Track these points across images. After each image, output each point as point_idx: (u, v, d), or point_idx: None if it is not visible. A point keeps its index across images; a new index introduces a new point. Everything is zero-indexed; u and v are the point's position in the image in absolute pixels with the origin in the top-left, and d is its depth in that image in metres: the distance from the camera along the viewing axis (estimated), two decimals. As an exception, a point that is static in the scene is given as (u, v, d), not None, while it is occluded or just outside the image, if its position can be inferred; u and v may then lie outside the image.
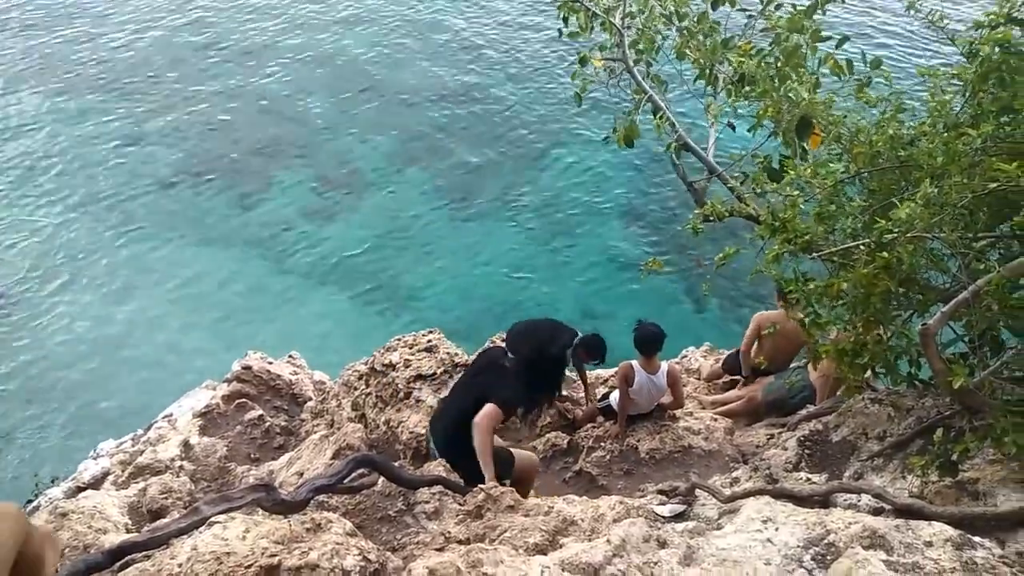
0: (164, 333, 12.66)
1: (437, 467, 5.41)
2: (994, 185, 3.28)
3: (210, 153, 16.42)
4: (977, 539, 2.78)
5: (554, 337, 5.60)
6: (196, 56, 19.61)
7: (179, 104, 17.87)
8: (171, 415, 7.68)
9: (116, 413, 11.00)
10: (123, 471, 6.85)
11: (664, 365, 6.33)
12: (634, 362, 6.26)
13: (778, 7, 5.94)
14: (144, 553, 3.36)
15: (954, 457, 3.43)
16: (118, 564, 3.27)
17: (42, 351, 12.56)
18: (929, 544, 2.76)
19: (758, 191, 5.27)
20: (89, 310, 13.16)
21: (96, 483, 6.87)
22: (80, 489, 6.70)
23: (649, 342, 6.20)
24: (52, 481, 7.55)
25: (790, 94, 5.00)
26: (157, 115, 17.55)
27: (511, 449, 5.29)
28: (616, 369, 7.63)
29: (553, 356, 4.76)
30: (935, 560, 2.64)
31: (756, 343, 7.14)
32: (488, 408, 4.62)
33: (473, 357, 5.51)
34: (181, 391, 8.34)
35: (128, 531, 5.09)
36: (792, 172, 4.40)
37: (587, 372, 7.15)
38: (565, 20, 7.18)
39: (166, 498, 5.76)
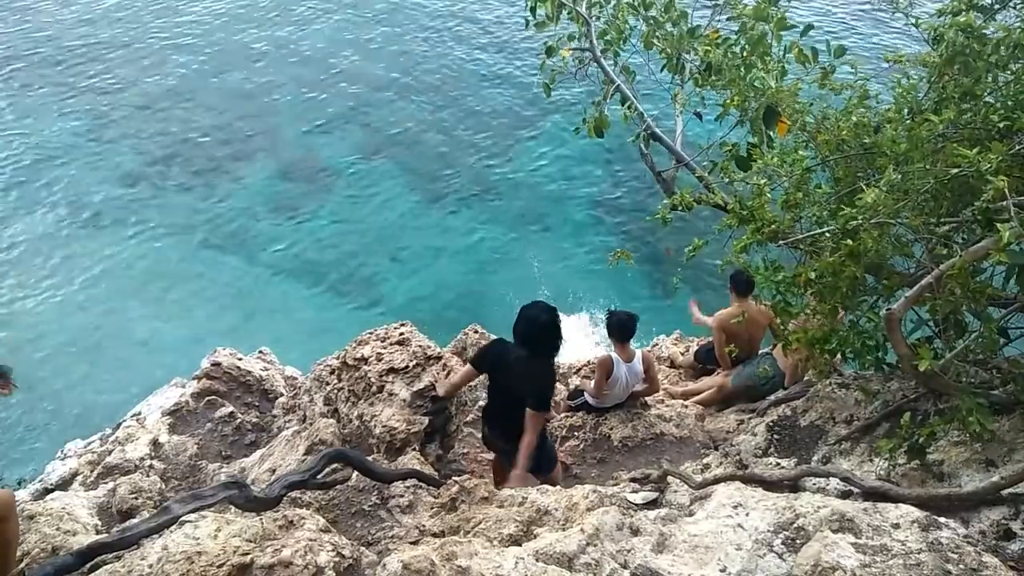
0: (131, 330, 12.46)
1: (411, 460, 5.39)
2: (955, 171, 3.32)
3: (174, 147, 16.17)
4: (942, 520, 2.83)
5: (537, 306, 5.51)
6: (159, 49, 19.28)
7: (143, 97, 17.58)
8: (139, 413, 7.56)
9: (83, 412, 10.82)
10: (91, 471, 6.74)
11: (638, 352, 6.39)
12: (612, 353, 6.30)
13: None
14: (114, 554, 3.33)
15: (921, 440, 3.48)
16: (88, 565, 3.24)
17: (3, 350, 12.31)
18: (896, 526, 2.80)
19: (727, 180, 5.31)
20: (53, 308, 12.92)
21: (64, 484, 6.75)
22: (48, 491, 6.58)
23: (623, 328, 6.24)
24: (19, 483, 7.41)
25: (756, 82, 5.03)
26: (120, 109, 17.24)
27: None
28: (584, 361, 7.68)
29: (543, 322, 4.90)
30: (902, 542, 2.69)
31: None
32: (529, 415, 4.89)
33: (478, 357, 5.50)
34: (149, 389, 8.21)
35: (98, 532, 5.02)
36: (759, 161, 4.44)
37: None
38: (533, 10, 7.16)
39: (136, 498, 5.68)
